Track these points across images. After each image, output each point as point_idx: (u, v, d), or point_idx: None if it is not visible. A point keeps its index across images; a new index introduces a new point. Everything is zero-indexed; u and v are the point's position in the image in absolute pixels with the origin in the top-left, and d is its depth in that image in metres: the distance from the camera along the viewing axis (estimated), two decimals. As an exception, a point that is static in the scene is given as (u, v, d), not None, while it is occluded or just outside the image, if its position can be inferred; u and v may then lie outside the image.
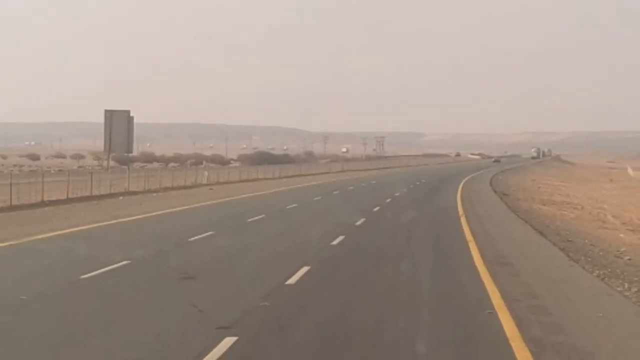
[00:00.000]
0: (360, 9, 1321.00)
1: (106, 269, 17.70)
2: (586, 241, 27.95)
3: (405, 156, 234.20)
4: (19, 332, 12.02)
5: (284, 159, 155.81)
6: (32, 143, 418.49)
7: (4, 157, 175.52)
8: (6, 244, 22.57)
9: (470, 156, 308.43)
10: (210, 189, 59.65)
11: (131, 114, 67.56)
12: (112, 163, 78.94)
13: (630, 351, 11.36)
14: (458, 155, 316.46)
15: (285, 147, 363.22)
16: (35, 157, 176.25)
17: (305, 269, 18.27)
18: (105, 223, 30.02)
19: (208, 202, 43.72)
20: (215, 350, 10.64)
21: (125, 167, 70.82)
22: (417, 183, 76.58)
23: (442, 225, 32.66)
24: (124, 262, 18.68)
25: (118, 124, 66.61)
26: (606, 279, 18.66)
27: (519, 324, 12.78)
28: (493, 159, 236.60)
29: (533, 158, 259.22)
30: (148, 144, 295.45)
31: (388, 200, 47.74)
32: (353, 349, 11.30)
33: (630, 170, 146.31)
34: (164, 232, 27.77)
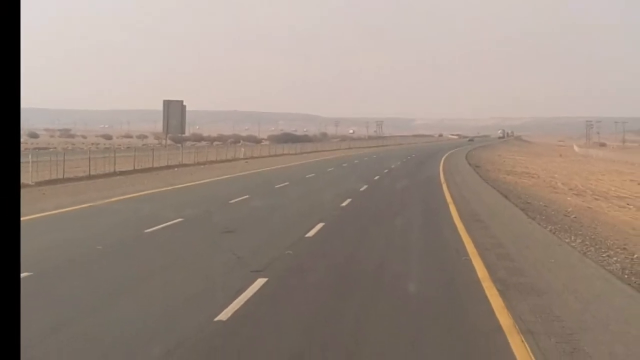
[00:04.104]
0: (363, 18, 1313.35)
1: (164, 224, 17.74)
2: (541, 203, 27.84)
3: (399, 136, 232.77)
4: (96, 274, 12.07)
5: (304, 139, 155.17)
6: (106, 126, 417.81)
7: (84, 137, 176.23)
8: (87, 205, 22.66)
9: (450, 136, 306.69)
10: (246, 162, 59.61)
11: (184, 103, 67.88)
12: (169, 142, 78.97)
13: (575, 289, 11.35)
14: (440, 135, 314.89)
15: (305, 129, 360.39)
16: (108, 137, 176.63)
17: (320, 224, 18.26)
18: (163, 189, 30.08)
19: (244, 173, 43.71)
20: (250, 288, 10.66)
21: (179, 145, 70.88)
22: (408, 157, 76.36)
23: (428, 190, 32.58)
24: (178, 220, 18.72)
25: (174, 111, 66.97)
26: (557, 232, 18.60)
27: (488, 268, 12.76)
28: (468, 139, 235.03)
29: (499, 138, 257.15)
30: (197, 127, 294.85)
31: (386, 171, 47.66)
32: (359, 286, 11.30)
33: (576, 148, 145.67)
34: (210, 195, 27.82)
